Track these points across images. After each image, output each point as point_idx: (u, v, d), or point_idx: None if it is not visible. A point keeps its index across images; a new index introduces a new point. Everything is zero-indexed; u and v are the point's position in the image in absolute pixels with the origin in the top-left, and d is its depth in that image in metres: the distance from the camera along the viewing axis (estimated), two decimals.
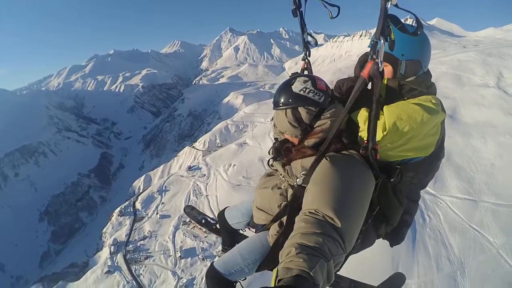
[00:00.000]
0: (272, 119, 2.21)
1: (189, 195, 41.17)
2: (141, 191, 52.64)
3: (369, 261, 19.05)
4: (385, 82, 2.00)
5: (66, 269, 76.12)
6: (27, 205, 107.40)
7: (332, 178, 1.52)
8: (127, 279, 33.03)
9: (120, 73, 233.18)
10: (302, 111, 1.81)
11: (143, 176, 65.17)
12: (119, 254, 36.09)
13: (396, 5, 1.37)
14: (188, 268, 31.95)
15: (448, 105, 39.40)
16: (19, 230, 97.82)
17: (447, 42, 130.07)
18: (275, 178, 2.20)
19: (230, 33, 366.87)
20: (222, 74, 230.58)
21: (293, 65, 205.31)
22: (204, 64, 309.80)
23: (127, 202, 45.48)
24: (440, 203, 28.06)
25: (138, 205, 42.59)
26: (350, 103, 1.54)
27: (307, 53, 2.60)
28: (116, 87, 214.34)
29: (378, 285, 2.66)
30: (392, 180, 1.78)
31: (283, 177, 2.03)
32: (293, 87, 1.83)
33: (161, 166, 72.40)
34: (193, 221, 4.41)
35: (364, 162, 1.64)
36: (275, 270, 1.95)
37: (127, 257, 35.44)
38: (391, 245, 2.39)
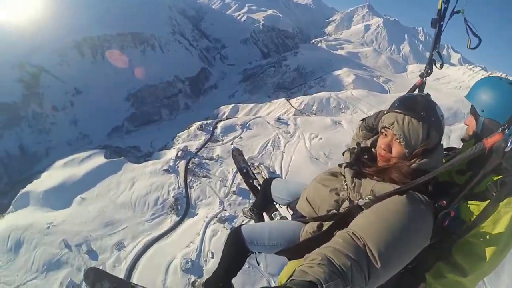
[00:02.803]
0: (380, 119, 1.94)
1: (268, 142, 39.69)
2: (225, 116, 52.84)
3: None
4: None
5: (129, 148, 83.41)
6: (120, 82, 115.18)
7: (394, 217, 1.41)
8: (179, 185, 33.57)
9: (247, 4, 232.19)
10: (433, 135, 1.66)
11: (232, 105, 65.68)
12: (182, 161, 36.76)
13: None
14: (235, 205, 31.07)
15: None
16: (103, 99, 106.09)
17: None
18: (337, 181, 2.05)
19: (367, 10, 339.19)
20: (342, 46, 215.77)
21: (416, 70, 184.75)
22: (329, 29, 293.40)
23: (209, 121, 45.81)
24: None
25: (218, 128, 42.56)
26: (456, 162, 1.39)
27: (429, 71, 2.39)
28: (239, 15, 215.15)
29: None
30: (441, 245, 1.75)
31: (346, 186, 1.86)
32: (437, 108, 1.69)
33: (252, 105, 72.35)
34: (235, 165, 4.54)
35: (433, 216, 1.54)
36: (289, 263, 2.07)
37: (188, 167, 35.94)
38: None
